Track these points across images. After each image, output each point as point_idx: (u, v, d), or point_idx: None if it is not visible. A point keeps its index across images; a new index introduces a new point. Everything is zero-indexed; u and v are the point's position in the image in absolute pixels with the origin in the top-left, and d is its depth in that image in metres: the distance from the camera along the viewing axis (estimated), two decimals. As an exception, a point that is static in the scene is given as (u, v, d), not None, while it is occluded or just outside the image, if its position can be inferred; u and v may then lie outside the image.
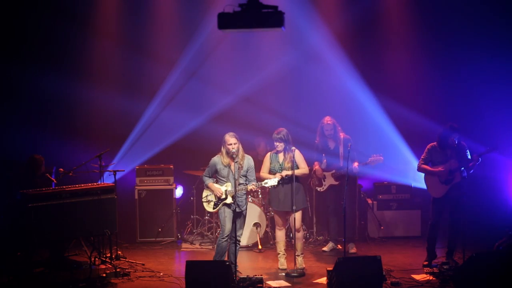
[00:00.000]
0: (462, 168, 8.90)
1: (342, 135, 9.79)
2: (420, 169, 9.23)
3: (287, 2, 9.81)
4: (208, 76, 11.78)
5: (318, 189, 10.00)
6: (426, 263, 9.21)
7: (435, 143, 9.17)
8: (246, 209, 8.82)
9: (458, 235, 9.07)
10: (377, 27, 11.80)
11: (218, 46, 11.67)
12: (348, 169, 8.84)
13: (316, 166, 9.89)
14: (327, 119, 9.81)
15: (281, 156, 9.05)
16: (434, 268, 8.73)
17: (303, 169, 9.05)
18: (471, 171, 8.98)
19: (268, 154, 9.19)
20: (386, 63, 11.79)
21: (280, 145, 9.00)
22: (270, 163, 9.09)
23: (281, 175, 8.89)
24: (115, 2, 11.72)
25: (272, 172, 9.06)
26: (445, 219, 9.28)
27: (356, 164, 9.46)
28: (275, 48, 11.69)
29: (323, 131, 9.81)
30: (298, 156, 9.04)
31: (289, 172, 8.88)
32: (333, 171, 9.73)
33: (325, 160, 9.76)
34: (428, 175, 9.18)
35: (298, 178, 9.01)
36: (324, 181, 9.89)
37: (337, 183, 9.75)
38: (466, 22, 11.30)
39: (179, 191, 11.39)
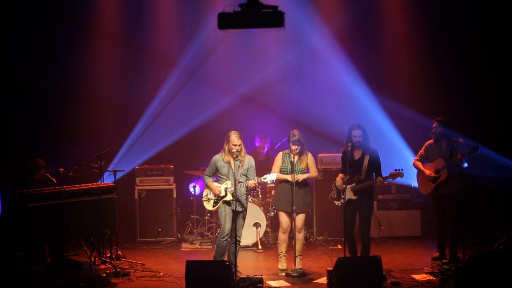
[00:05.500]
0: (453, 166, 8.96)
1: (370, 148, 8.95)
2: (414, 165, 9.49)
3: (287, 2, 9.83)
4: (208, 76, 11.77)
5: (336, 203, 9.07)
6: (436, 255, 9.43)
7: (431, 140, 9.36)
8: (246, 209, 8.82)
9: (458, 234, 9.08)
10: (377, 27, 11.80)
11: (218, 46, 11.66)
12: (372, 184, 8.72)
13: (338, 177, 9.03)
14: (355, 125, 8.92)
15: (295, 157, 8.96)
16: (434, 268, 8.74)
17: (314, 173, 9.06)
18: (465, 165, 9.02)
19: (281, 153, 9.12)
20: (386, 63, 11.78)
21: (296, 148, 8.91)
22: (282, 163, 9.04)
23: (297, 179, 8.84)
24: (115, 2, 11.71)
25: (283, 172, 9.01)
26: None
27: (380, 178, 8.73)
28: (275, 48, 11.69)
29: (351, 137, 8.86)
30: (311, 159, 9.04)
31: (304, 176, 8.88)
32: (353, 184, 8.83)
33: (347, 175, 8.91)
34: (419, 173, 9.44)
35: (307, 181, 9.04)
36: (343, 194, 8.98)
37: (355, 198, 8.85)
38: (466, 21, 11.30)
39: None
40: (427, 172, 9.24)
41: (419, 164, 9.40)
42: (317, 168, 10.82)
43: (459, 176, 8.96)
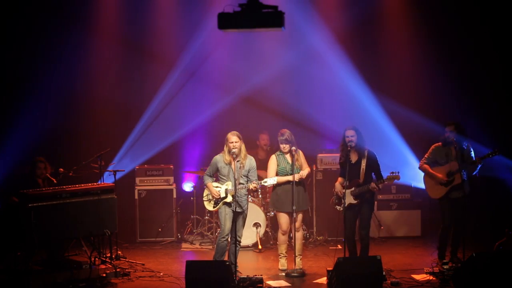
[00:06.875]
0: (463, 171, 8.89)
1: (366, 150, 8.78)
2: (421, 168, 9.22)
3: (287, 2, 9.80)
4: (208, 76, 11.78)
5: (338, 207, 8.90)
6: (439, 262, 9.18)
7: (439, 143, 9.14)
8: (246, 210, 8.82)
9: (461, 235, 9.04)
10: (377, 27, 11.80)
11: (218, 46, 11.66)
12: (366, 188, 8.58)
13: (337, 182, 8.89)
14: (349, 126, 8.79)
15: (288, 157, 8.99)
16: (434, 268, 8.73)
17: (307, 168, 9.04)
18: (474, 172, 8.99)
19: (274, 156, 9.09)
20: (386, 63, 11.79)
21: (286, 147, 8.94)
22: (278, 165, 9.02)
23: (301, 176, 8.85)
24: (115, 2, 11.71)
25: (281, 174, 8.97)
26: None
27: (373, 185, 8.62)
28: (275, 48, 11.69)
29: (344, 140, 8.74)
30: (302, 156, 9.05)
31: (306, 172, 8.90)
32: (352, 188, 8.70)
33: (347, 179, 8.83)
34: (427, 176, 9.19)
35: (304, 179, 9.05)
36: (344, 199, 8.81)
37: (355, 202, 8.72)
38: (467, 21, 11.30)
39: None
40: (440, 176, 9.00)
41: (427, 167, 9.10)
42: (317, 168, 10.91)
43: (473, 179, 8.91)
